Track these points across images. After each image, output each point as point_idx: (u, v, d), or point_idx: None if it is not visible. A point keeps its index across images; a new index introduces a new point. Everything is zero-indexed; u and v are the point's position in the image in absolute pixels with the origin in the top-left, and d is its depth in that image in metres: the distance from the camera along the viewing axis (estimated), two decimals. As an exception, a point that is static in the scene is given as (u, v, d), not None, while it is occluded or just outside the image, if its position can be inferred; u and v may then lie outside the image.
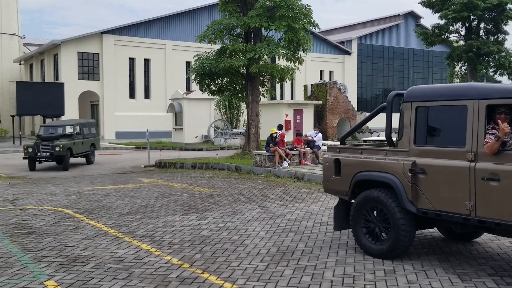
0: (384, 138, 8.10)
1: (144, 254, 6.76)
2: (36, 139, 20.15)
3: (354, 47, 58.32)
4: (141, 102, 44.31)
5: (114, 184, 14.48)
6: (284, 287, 5.42)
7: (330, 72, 56.09)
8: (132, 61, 44.09)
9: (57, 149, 19.14)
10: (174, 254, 6.71)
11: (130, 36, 43.45)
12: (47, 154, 19.16)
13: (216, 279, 5.67)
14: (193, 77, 21.16)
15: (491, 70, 32.77)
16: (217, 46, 21.09)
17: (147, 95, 45.12)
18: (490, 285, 5.42)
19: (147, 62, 44.80)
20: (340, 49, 56.95)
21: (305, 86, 43.40)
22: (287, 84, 50.07)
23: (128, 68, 43.94)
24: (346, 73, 57.03)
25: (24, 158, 19.43)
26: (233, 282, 5.59)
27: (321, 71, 55.02)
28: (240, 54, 19.95)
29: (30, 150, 18.94)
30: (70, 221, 9.06)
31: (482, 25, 31.65)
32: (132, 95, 44.32)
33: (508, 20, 30.51)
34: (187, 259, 6.49)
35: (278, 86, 48.18)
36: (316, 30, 23.61)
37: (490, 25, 31.38)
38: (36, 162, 19.58)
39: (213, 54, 20.62)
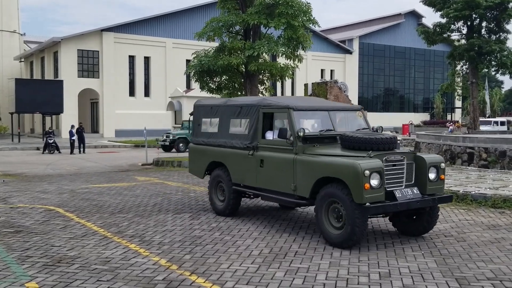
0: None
1: (132, 254, 6.55)
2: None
3: (356, 46, 58.06)
4: (141, 100, 44.16)
5: (109, 182, 14.27)
6: (274, 290, 5.20)
7: (331, 71, 55.86)
8: (132, 59, 43.92)
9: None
10: (163, 255, 6.50)
11: (130, 34, 43.28)
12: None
13: (204, 282, 5.46)
14: (191, 74, 20.93)
15: (493, 69, 32.43)
16: (216, 44, 20.86)
17: (147, 93, 44.96)
18: (489, 290, 5.20)
19: (147, 60, 44.62)
20: (341, 48, 56.69)
21: (306, 85, 43.09)
22: (287, 83, 49.89)
23: (128, 66, 43.79)
24: (347, 72, 56.78)
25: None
26: (222, 285, 5.37)
27: (322, 70, 54.80)
28: (239, 52, 19.70)
29: (376, 184, 6.62)
30: (60, 220, 8.85)
31: (484, 23, 31.32)
32: (132, 93, 44.17)
33: (510, 19, 30.19)
34: (176, 260, 6.28)
35: (278, 84, 47.98)
36: (316, 28, 23.37)
37: (492, 24, 31.05)
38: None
39: (212, 51, 20.38)
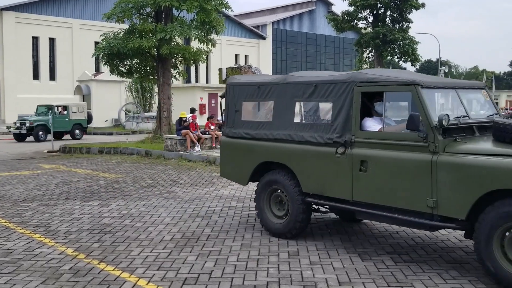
0: None
1: (36, 245, 6.26)
2: None
3: (269, 31, 58.77)
4: (46, 83, 41.86)
5: (11, 170, 13.46)
6: (186, 274, 5.21)
7: (246, 56, 56.18)
8: (35, 40, 41.46)
9: None
10: (69, 245, 6.27)
11: (34, 14, 40.78)
12: None
13: (113, 270, 5.34)
14: (100, 57, 20.17)
15: (396, 56, 34.25)
16: (126, 26, 20.21)
17: (52, 76, 42.70)
18: (388, 263, 5.56)
19: (52, 41, 42.32)
20: (255, 33, 57.15)
21: (220, 70, 42.95)
22: (202, 68, 49.54)
23: (32, 48, 41.32)
24: (261, 57, 57.38)
25: None
26: (132, 271, 5.29)
27: (236, 55, 54.94)
28: (150, 35, 19.24)
29: None
30: (-45, 212, 8.24)
31: (388, 13, 32.93)
32: (36, 76, 41.76)
33: (412, 9, 31.97)
34: (84, 249, 6.08)
35: (193, 69, 47.48)
36: (230, 13, 23.36)
37: (396, 13, 32.72)
38: None
39: (122, 33, 19.74)
